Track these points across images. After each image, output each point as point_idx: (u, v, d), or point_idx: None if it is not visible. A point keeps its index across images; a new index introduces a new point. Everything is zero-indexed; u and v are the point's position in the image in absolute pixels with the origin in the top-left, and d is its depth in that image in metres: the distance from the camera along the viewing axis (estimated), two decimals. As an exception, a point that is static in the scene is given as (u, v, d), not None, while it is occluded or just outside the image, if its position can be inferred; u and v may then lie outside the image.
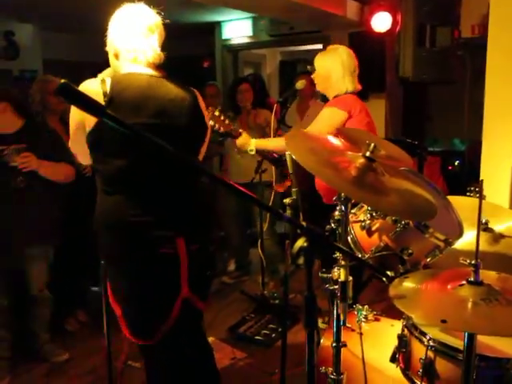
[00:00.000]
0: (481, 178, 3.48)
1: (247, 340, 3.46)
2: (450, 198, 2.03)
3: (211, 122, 2.88)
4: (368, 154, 1.46)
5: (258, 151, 3.02)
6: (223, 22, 6.57)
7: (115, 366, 2.68)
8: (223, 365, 3.14)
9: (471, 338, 1.30)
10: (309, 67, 3.10)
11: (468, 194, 3.48)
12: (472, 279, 1.30)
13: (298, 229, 1.22)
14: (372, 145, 1.45)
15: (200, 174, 2.05)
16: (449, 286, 1.32)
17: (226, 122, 2.95)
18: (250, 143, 2.97)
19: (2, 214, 2.90)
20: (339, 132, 1.60)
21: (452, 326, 1.24)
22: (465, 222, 1.93)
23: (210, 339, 3.39)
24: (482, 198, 1.34)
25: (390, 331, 2.06)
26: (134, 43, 1.90)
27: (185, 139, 1.93)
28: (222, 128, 2.94)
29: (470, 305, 1.27)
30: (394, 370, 1.78)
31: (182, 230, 1.92)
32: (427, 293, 1.35)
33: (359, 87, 3.00)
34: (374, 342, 2.06)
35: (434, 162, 4.63)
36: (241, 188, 1.15)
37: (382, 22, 4.89)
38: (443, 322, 1.17)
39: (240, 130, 3.00)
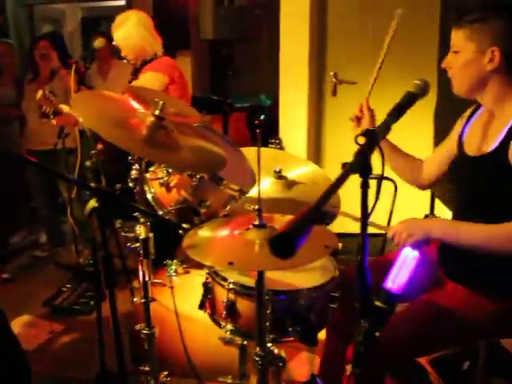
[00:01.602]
0: (280, 132, 3.77)
1: (65, 311, 3.35)
2: (248, 149, 2.14)
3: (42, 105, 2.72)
4: (157, 112, 1.48)
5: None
6: (12, -28, 5.95)
7: None
8: (41, 340, 3.04)
9: (260, 276, 1.44)
10: None
11: (269, 145, 3.73)
12: (257, 223, 1.42)
13: (86, 190, 1.21)
14: (160, 103, 1.47)
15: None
16: (236, 232, 1.43)
17: (54, 101, 2.79)
18: (78, 119, 2.80)
19: None
20: (126, 90, 1.59)
21: (239, 266, 1.35)
22: (262, 170, 2.07)
23: (25, 317, 3.26)
24: (259, 146, 1.44)
25: (198, 281, 2.17)
26: None
27: None
28: (49, 109, 2.77)
29: (256, 246, 1.39)
30: (204, 316, 1.88)
31: None
32: (218, 240, 1.44)
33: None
34: (185, 293, 2.15)
35: (240, 117, 4.88)
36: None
37: (183, -21, 4.89)
38: (230, 264, 1.27)
39: (63, 107, 2.83)
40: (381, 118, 1.37)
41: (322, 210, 0.88)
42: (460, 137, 1.82)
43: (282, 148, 3.48)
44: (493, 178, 1.61)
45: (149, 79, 2.88)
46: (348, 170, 1.01)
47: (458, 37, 1.62)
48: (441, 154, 1.96)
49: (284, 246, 0.84)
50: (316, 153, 3.94)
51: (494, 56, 1.56)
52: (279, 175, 2.23)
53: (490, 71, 1.59)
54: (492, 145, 1.61)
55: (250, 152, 2.09)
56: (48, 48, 3.98)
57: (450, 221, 1.75)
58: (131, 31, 2.89)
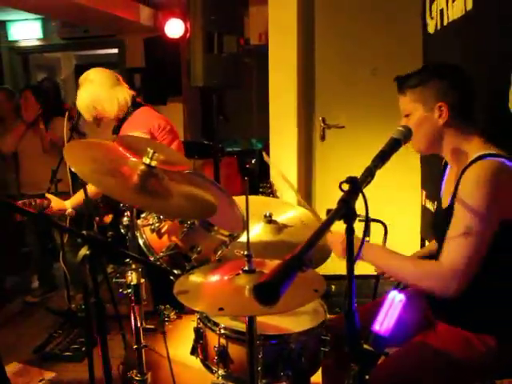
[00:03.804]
0: (271, 177, 3.81)
1: (56, 358, 3.29)
2: (240, 197, 2.19)
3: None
4: (148, 160, 1.52)
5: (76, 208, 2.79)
6: (9, 21, 6.11)
7: None
8: (31, 389, 2.97)
9: (251, 321, 1.45)
10: None
11: (261, 189, 3.74)
12: (246, 268, 1.44)
13: (78, 238, 1.23)
14: (151, 152, 1.51)
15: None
16: (226, 277, 1.45)
17: (33, 204, 2.70)
18: (65, 205, 2.76)
19: None
20: (118, 141, 1.63)
21: (229, 312, 1.37)
22: (253, 216, 2.11)
23: (15, 365, 3.20)
24: (247, 195, 1.47)
25: (191, 326, 2.17)
26: None
27: None
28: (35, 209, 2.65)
29: (246, 292, 1.40)
30: (196, 362, 1.88)
31: None
32: (209, 285, 1.46)
33: (132, 92, 2.89)
34: (178, 339, 2.14)
35: (231, 161, 4.96)
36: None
37: (174, 28, 5.03)
38: (220, 309, 1.28)
39: (48, 198, 2.75)
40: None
41: (305, 257, 0.91)
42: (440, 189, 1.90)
43: (273, 192, 3.53)
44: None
45: None
46: (331, 216, 1.04)
47: (405, 102, 1.74)
48: None
49: (267, 294, 0.87)
50: (306, 196, 3.99)
51: (442, 111, 1.66)
52: (269, 219, 2.27)
53: (442, 125, 1.68)
54: (449, 197, 1.68)
55: (241, 200, 2.13)
56: (28, 98, 4.09)
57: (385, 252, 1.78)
58: (87, 92, 2.77)
